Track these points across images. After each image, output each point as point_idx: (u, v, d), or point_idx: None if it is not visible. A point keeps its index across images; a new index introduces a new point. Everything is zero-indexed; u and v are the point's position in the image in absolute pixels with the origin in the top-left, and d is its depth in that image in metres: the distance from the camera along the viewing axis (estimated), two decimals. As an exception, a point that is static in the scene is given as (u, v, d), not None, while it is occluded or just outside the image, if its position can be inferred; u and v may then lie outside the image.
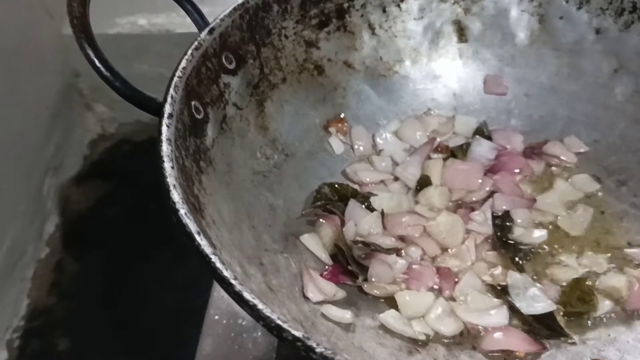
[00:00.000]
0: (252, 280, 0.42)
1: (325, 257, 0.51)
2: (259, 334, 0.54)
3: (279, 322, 0.32)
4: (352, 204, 0.53)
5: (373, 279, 0.49)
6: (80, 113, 0.94)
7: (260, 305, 0.32)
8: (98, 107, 0.96)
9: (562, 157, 0.58)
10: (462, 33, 0.63)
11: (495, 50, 0.63)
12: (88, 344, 0.73)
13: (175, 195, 0.38)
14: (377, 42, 0.62)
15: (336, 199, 0.54)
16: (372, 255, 0.50)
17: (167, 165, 0.40)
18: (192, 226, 0.36)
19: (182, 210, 0.37)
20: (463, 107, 0.63)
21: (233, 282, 0.34)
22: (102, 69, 0.44)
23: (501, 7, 0.62)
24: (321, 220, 0.53)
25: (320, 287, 0.47)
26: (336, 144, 0.59)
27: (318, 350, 0.31)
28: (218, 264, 0.34)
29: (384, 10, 0.61)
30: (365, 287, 0.48)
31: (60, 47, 0.87)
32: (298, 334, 0.31)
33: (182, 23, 0.90)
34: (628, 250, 0.51)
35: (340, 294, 0.48)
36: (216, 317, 0.55)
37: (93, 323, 0.76)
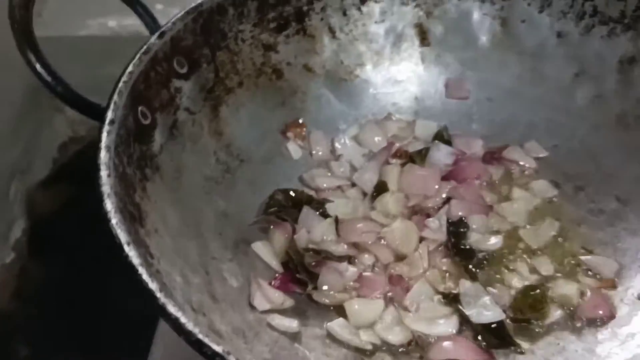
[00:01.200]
0: (194, 289, 0.42)
1: (275, 264, 0.50)
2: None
3: (199, 336, 0.31)
4: (306, 210, 0.52)
5: (323, 287, 0.48)
6: (50, 115, 0.93)
7: (182, 319, 0.32)
8: (68, 110, 0.95)
9: (521, 162, 0.58)
10: (424, 36, 0.62)
11: (457, 53, 0.62)
12: (50, 351, 0.72)
13: (109, 205, 0.37)
14: (338, 46, 0.61)
15: (290, 205, 0.53)
16: (323, 263, 0.49)
17: (103, 173, 0.39)
18: (123, 236, 0.36)
19: (114, 220, 0.37)
20: (425, 111, 0.62)
21: (158, 295, 0.33)
22: (44, 74, 0.44)
23: (463, 10, 0.61)
24: (273, 227, 0.52)
25: (267, 296, 0.47)
26: (294, 149, 0.58)
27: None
28: (145, 276, 0.34)
29: (345, 14, 0.61)
30: (315, 295, 0.48)
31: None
32: (218, 348, 0.30)
33: (153, 25, 0.89)
34: (583, 258, 0.51)
35: (289, 302, 0.47)
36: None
37: (55, 329, 0.74)
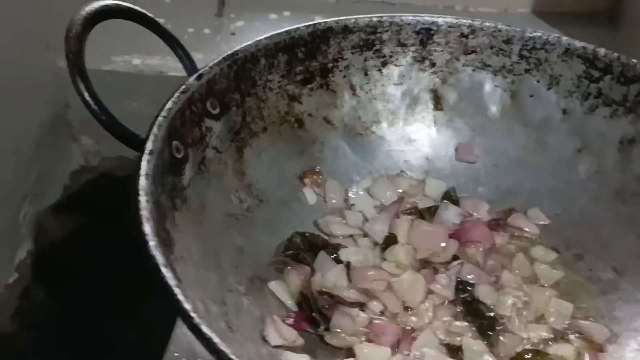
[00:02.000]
0: (213, 317, 0.44)
1: (290, 303, 0.52)
2: (216, 375, 0.55)
3: (232, 356, 0.33)
4: (322, 256, 0.54)
5: (335, 330, 0.50)
6: (66, 144, 0.95)
7: (215, 339, 0.34)
8: (84, 140, 0.98)
9: (525, 229, 0.60)
10: (438, 101, 0.66)
11: (468, 120, 0.66)
12: (46, 376, 0.73)
13: (147, 228, 0.40)
14: (357, 103, 0.65)
15: (306, 248, 0.56)
16: (335, 306, 0.51)
17: (143, 198, 0.41)
18: (160, 259, 0.38)
19: (152, 243, 0.39)
20: (434, 171, 0.65)
21: (192, 314, 0.35)
22: (91, 102, 0.46)
23: (476, 80, 0.65)
24: (289, 268, 0.54)
25: (280, 332, 0.48)
26: (310, 194, 0.61)
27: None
28: (180, 296, 0.36)
29: (366, 74, 0.65)
30: (327, 336, 0.50)
31: (53, 78, 0.89)
32: (249, 369, 0.32)
33: (175, 67, 0.92)
34: (579, 322, 0.53)
35: (300, 341, 0.49)
36: (176, 354, 0.56)
37: (54, 354, 0.75)
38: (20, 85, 0.82)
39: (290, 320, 0.50)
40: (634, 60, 0.59)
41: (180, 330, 0.58)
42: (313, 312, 0.50)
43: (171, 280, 0.37)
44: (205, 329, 0.34)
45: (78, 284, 0.84)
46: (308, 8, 1.01)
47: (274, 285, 0.52)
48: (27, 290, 0.81)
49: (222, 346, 0.33)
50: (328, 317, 0.50)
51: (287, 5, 1.05)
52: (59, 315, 0.81)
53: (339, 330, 0.50)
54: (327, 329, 0.50)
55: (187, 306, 0.35)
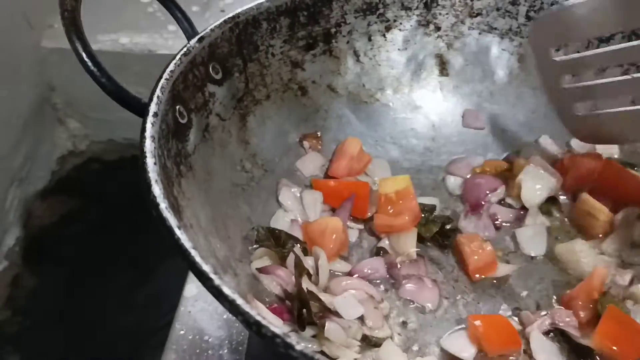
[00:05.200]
0: (228, 286, 0.41)
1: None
2: (225, 351, 0.53)
3: (258, 318, 0.31)
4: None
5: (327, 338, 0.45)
6: (52, 127, 0.92)
7: (239, 301, 0.31)
8: (71, 123, 0.94)
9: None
10: (443, 67, 0.64)
11: (475, 85, 0.64)
12: (39, 361, 0.70)
13: (157, 190, 0.37)
14: (361, 69, 0.63)
15: (273, 243, 0.51)
16: (327, 316, 0.46)
17: (150, 160, 0.39)
18: (172, 220, 0.35)
19: (163, 205, 0.36)
20: (441, 138, 0.63)
21: (212, 276, 0.33)
22: (89, 63, 0.44)
23: (483, 44, 0.63)
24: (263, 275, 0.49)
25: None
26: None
27: (298, 347, 0.30)
28: (197, 258, 0.33)
29: (370, 39, 0.62)
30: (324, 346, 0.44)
31: (37, 58, 0.85)
32: (278, 330, 0.30)
33: (164, 44, 0.90)
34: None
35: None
36: (182, 332, 0.53)
37: (46, 340, 0.72)
38: (3, 65, 0.78)
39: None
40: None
41: (185, 308, 0.56)
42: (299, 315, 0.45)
43: (187, 242, 0.34)
44: (227, 290, 0.32)
45: (68, 269, 0.81)
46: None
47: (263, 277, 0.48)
48: (17, 278, 0.78)
49: (247, 307, 0.31)
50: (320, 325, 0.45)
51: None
52: (50, 301, 0.78)
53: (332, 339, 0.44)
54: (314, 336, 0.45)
55: (206, 268, 0.33)
